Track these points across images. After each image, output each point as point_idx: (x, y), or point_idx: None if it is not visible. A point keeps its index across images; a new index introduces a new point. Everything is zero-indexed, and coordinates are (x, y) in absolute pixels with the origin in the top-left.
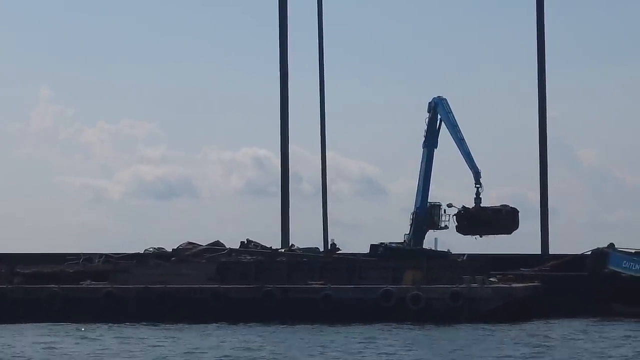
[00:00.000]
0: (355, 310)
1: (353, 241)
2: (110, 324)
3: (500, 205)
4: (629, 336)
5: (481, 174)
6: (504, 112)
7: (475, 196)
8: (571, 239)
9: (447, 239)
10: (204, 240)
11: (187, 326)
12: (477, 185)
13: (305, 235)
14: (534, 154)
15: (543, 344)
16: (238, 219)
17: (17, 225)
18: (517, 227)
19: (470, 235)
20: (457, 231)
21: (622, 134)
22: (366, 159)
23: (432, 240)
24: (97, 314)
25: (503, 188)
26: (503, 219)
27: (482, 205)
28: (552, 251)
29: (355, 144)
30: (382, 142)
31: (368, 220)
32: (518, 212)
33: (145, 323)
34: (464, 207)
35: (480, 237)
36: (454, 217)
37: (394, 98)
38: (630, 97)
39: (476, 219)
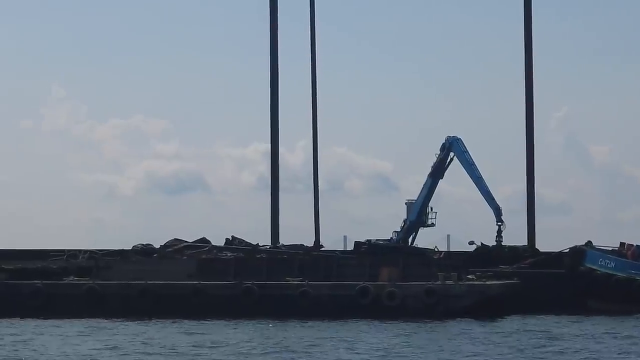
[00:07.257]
0: (332, 307)
1: (365, 237)
2: (91, 319)
3: (522, 246)
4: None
5: (502, 210)
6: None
7: (496, 234)
8: (584, 237)
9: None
10: (215, 236)
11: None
12: (498, 223)
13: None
14: (545, 151)
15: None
16: (250, 214)
17: (29, 221)
18: None
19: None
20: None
21: (635, 130)
22: (378, 155)
23: (446, 236)
24: (79, 309)
25: (514, 185)
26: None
27: (502, 243)
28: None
29: (368, 140)
30: (395, 139)
31: (380, 216)
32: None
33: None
34: (482, 244)
35: None
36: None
37: (407, 95)
38: None
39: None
